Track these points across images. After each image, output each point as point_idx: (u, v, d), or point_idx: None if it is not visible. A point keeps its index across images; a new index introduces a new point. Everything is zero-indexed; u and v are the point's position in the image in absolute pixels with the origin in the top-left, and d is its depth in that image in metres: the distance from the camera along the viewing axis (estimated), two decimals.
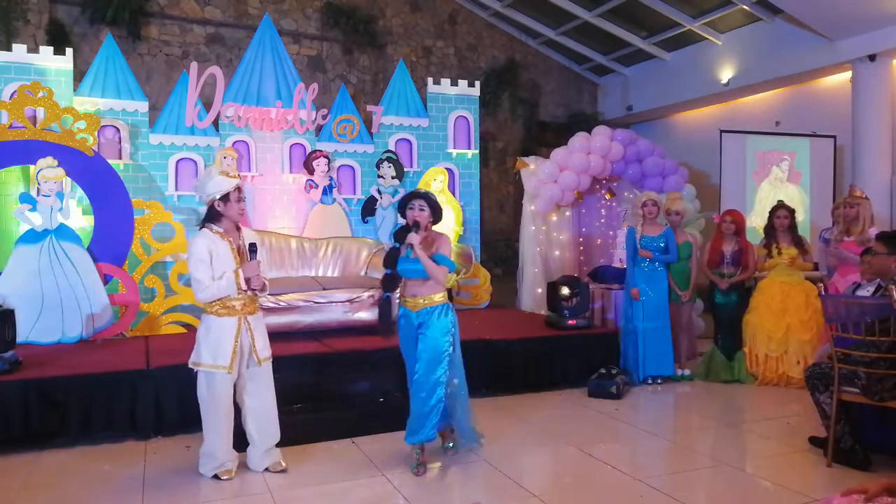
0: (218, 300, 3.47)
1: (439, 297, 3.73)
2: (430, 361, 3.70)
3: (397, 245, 3.69)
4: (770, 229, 5.76)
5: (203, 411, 3.57)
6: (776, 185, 7.84)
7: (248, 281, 3.45)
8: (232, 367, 3.48)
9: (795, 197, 7.67)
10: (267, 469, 3.69)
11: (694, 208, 7.37)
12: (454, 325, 3.78)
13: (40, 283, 5.48)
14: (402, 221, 3.82)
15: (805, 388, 4.92)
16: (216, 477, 3.58)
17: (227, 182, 3.48)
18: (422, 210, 3.69)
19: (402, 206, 3.77)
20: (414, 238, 3.60)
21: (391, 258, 3.70)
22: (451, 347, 3.75)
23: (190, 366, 3.55)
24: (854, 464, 3.71)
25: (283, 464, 3.73)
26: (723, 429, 4.63)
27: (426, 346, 3.70)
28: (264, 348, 3.63)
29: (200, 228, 3.56)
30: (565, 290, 6.00)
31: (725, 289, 5.81)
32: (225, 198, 3.49)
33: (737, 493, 3.51)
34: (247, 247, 3.56)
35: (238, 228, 3.63)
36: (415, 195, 3.76)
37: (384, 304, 3.83)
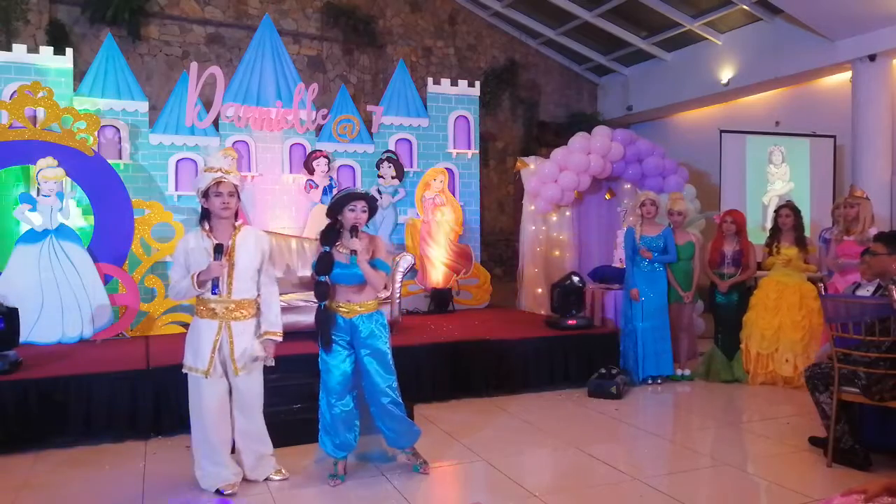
0: (199, 301, 3.38)
1: (374, 302, 3.59)
2: (385, 366, 3.57)
3: (327, 249, 3.45)
4: (774, 228, 5.78)
5: (191, 418, 3.44)
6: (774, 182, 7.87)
7: (201, 283, 3.29)
8: (209, 371, 3.34)
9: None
10: (268, 478, 3.60)
11: (694, 208, 7.37)
12: (388, 332, 3.65)
13: (40, 283, 5.48)
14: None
15: (800, 388, 4.95)
16: (218, 491, 3.39)
17: (207, 177, 3.37)
18: (363, 213, 3.49)
19: (340, 206, 3.49)
20: (357, 244, 3.42)
21: (328, 264, 3.43)
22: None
23: (182, 369, 3.45)
24: (854, 464, 3.71)
25: (285, 472, 3.64)
26: (723, 429, 4.63)
27: (374, 352, 3.55)
28: (242, 358, 3.40)
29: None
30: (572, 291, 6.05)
31: (724, 290, 5.81)
32: (206, 193, 3.38)
33: (737, 493, 3.51)
34: (215, 244, 3.34)
35: (234, 227, 3.45)
36: (356, 196, 3.52)
37: (323, 314, 3.47)
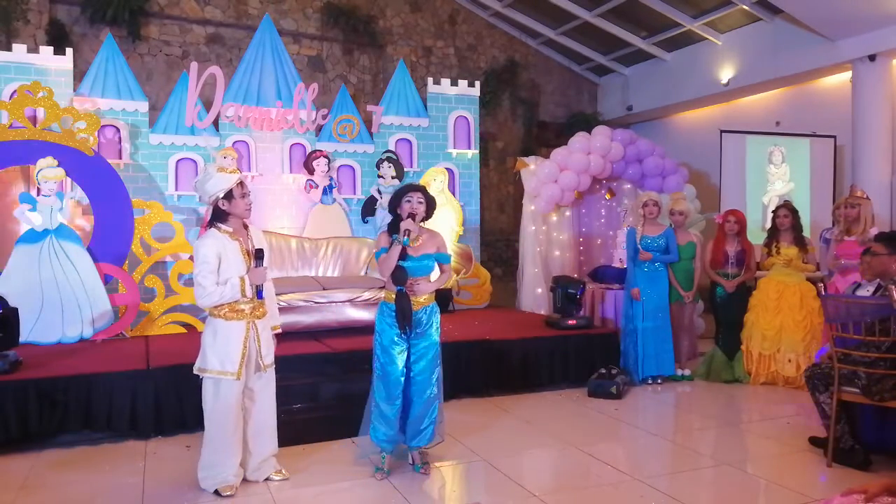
0: (227, 304, 3.35)
1: (431, 295, 3.75)
2: (434, 359, 3.71)
3: (395, 237, 3.58)
4: (772, 229, 5.79)
5: (207, 421, 3.40)
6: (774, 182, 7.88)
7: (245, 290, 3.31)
8: (240, 373, 3.35)
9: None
10: (268, 478, 3.59)
11: (694, 208, 7.37)
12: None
13: (40, 283, 5.48)
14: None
15: (801, 388, 4.95)
16: (217, 493, 3.39)
17: (229, 178, 3.31)
18: (420, 203, 3.65)
19: (397, 200, 3.68)
20: (411, 224, 3.55)
21: (401, 254, 3.58)
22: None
23: (195, 372, 3.40)
24: (854, 464, 3.71)
25: (285, 472, 3.64)
26: (723, 429, 4.63)
27: (429, 344, 3.70)
28: (269, 354, 3.51)
29: (208, 228, 3.40)
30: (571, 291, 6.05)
31: (732, 290, 5.80)
32: (228, 195, 3.33)
33: (737, 493, 3.51)
34: (254, 250, 3.40)
35: (245, 227, 3.49)
36: (412, 188, 3.70)
37: (403, 299, 3.56)
